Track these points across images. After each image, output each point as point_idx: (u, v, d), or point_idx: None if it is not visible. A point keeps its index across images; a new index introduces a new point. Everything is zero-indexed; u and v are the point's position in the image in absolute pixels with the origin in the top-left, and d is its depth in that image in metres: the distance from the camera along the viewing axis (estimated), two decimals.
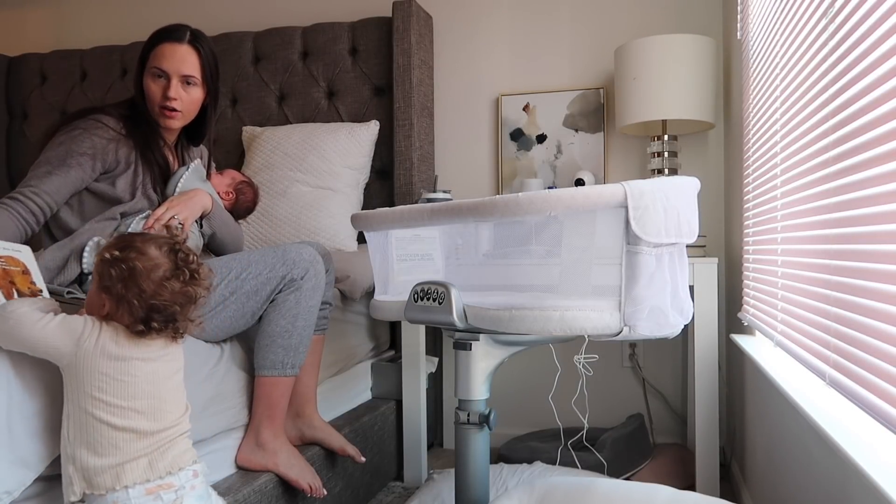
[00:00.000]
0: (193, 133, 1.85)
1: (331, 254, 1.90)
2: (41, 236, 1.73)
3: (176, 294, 1.18)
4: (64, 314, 1.16)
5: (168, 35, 1.68)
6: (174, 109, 1.68)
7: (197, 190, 1.75)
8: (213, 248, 1.88)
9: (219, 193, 1.88)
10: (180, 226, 1.66)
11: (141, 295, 1.16)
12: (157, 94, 1.67)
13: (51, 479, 1.21)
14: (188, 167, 1.80)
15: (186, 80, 1.68)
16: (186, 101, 1.70)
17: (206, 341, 1.63)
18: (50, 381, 1.19)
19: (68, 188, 1.60)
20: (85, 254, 1.58)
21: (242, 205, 1.99)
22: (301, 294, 1.64)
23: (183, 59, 1.67)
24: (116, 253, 1.17)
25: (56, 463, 1.19)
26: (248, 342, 1.74)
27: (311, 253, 1.68)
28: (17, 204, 1.54)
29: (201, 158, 1.93)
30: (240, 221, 2.12)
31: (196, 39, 1.70)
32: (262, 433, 1.63)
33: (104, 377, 1.13)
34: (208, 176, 1.93)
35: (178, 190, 1.74)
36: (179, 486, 1.16)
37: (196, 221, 1.75)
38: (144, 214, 1.67)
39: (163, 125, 1.72)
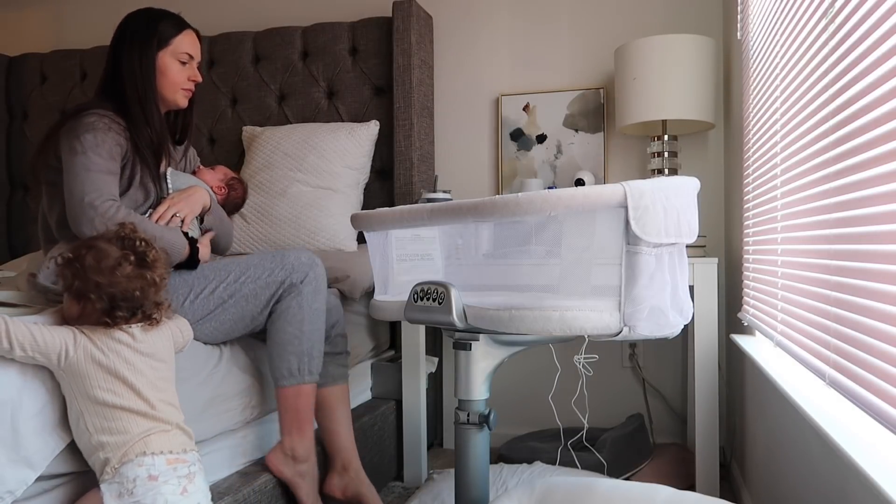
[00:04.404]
0: (174, 127, 1.86)
1: (340, 302, 1.91)
2: (39, 237, 1.72)
3: (132, 279, 1.24)
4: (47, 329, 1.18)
5: (185, 22, 1.77)
6: (192, 90, 1.78)
7: (196, 187, 1.75)
8: None
9: (211, 188, 1.88)
10: (181, 223, 1.66)
11: (98, 287, 1.21)
12: (182, 77, 1.75)
13: (52, 477, 1.21)
14: (168, 167, 1.78)
15: (198, 66, 1.80)
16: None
17: (206, 343, 1.62)
18: (55, 377, 1.21)
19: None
20: None
21: (232, 200, 1.99)
22: (302, 298, 1.65)
23: (198, 47, 1.79)
24: (69, 254, 1.23)
25: (57, 462, 1.20)
26: (247, 344, 1.74)
27: (310, 256, 1.69)
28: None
29: (184, 151, 1.91)
30: (233, 218, 2.12)
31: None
32: (296, 445, 1.65)
33: (100, 378, 1.19)
34: (195, 171, 1.92)
35: (170, 187, 1.73)
36: (191, 462, 1.25)
37: (196, 218, 1.75)
38: (147, 213, 1.66)
39: (179, 104, 1.77)
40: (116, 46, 1.72)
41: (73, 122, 1.59)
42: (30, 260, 2.15)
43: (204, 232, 1.81)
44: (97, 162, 1.55)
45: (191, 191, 1.73)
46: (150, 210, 1.67)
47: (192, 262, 1.64)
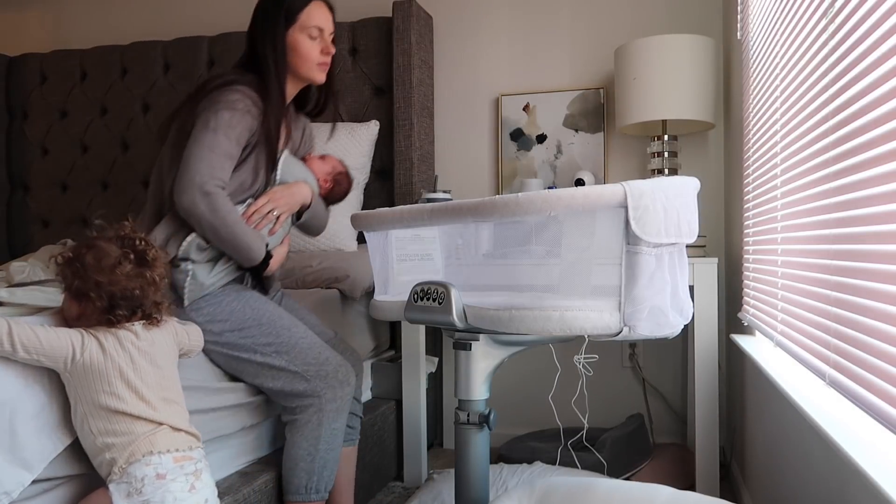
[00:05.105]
0: (303, 101, 1.85)
1: (361, 362, 1.89)
2: (144, 205, 1.69)
3: (132, 278, 1.24)
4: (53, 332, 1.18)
5: None
6: (327, 63, 1.75)
7: (301, 184, 1.74)
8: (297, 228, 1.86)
9: (318, 180, 1.86)
10: (276, 219, 1.66)
11: (98, 286, 1.21)
12: (315, 52, 1.71)
13: (50, 479, 1.21)
14: (284, 151, 1.75)
15: (332, 39, 1.76)
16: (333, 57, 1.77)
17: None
18: (54, 379, 1.21)
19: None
20: (185, 243, 1.56)
21: (336, 194, 1.97)
22: (323, 416, 1.61)
23: (329, 18, 1.75)
24: (69, 254, 1.24)
25: (55, 464, 1.20)
26: None
27: (347, 373, 1.65)
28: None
29: (304, 130, 1.89)
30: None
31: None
32: None
33: (105, 381, 1.19)
34: (305, 158, 1.88)
35: (279, 177, 1.71)
36: (198, 459, 1.26)
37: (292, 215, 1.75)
38: (247, 202, 1.65)
39: (316, 80, 1.75)
40: (252, 30, 1.73)
41: (216, 94, 1.59)
42: (31, 260, 2.14)
43: (299, 226, 1.80)
44: (223, 143, 1.55)
45: (294, 188, 1.71)
46: (251, 199, 1.66)
47: (257, 271, 1.62)
